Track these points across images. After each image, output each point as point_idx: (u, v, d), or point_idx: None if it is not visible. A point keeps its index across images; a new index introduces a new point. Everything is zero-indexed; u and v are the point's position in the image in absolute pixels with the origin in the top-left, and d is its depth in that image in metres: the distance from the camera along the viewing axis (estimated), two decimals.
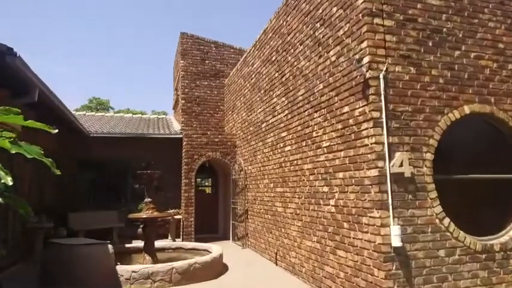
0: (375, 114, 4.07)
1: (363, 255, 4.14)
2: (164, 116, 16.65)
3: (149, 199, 6.44)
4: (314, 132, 5.36)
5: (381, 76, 4.15)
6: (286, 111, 6.42)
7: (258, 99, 8.04)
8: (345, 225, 4.51)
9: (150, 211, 6.36)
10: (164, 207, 10.02)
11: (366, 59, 4.19)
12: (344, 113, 4.61)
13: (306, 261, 5.49)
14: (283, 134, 6.52)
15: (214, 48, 12.04)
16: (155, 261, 6.16)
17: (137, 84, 53.93)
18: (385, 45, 4.26)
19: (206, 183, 12.81)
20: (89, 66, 53.67)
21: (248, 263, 6.96)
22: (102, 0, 52.65)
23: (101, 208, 10.37)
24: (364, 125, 4.18)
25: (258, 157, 7.96)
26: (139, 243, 9.39)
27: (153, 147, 11.11)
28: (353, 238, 4.35)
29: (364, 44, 4.22)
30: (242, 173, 9.02)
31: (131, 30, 56.61)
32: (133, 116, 15.45)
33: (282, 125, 6.59)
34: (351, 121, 4.46)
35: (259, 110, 7.94)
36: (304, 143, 5.68)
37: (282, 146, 6.59)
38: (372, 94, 4.11)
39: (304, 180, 5.65)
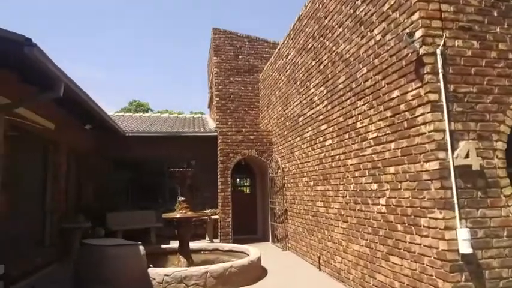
0: (433, 96, 3.48)
1: (423, 263, 3.56)
2: (201, 115, 16.64)
3: (183, 198, 6.21)
4: (358, 123, 4.81)
5: (438, 52, 3.55)
6: (325, 102, 5.91)
7: (294, 91, 7.58)
8: (399, 227, 3.94)
9: (184, 211, 6.13)
10: (201, 207, 9.86)
11: (418, 33, 3.61)
12: (393, 98, 4.03)
13: (354, 268, 4.95)
14: (323, 127, 6.01)
15: (247, 43, 11.71)
16: (190, 263, 5.92)
17: (176, 86, 55.26)
18: (441, 16, 3.65)
19: (245, 183, 12.56)
20: (129, 69, 55.78)
21: (289, 267, 6.53)
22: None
23: (139, 208, 10.43)
24: (420, 110, 3.60)
25: (296, 153, 7.49)
26: (176, 244, 9.30)
27: (189, 146, 11.01)
28: (409, 243, 3.77)
29: (416, 16, 3.64)
30: (279, 171, 8.60)
31: (169, 30, 58.11)
32: (170, 115, 15.57)
33: (321, 117, 6.08)
34: (402, 107, 3.88)
35: (296, 103, 7.46)
36: (346, 136, 5.15)
37: (321, 140, 6.09)
38: (428, 73, 3.52)
39: (348, 177, 5.12)
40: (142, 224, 9.51)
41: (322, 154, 6.04)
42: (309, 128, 6.67)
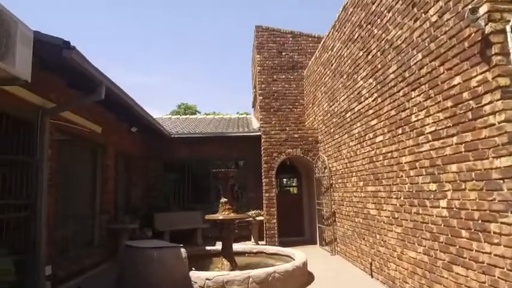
0: (502, 81, 2.99)
1: (493, 275, 3.08)
2: (246, 115, 16.65)
3: (225, 199, 6.11)
4: (413, 116, 4.36)
5: (508, 29, 3.05)
6: (375, 95, 5.48)
7: (341, 86, 7.17)
8: (464, 233, 3.47)
9: (227, 212, 6.03)
10: (246, 208, 9.78)
11: (483, 9, 3.14)
12: (454, 86, 3.56)
13: (410, 276, 4.50)
14: (373, 122, 5.58)
15: (291, 39, 11.43)
16: (233, 266, 5.79)
17: (224, 88, 56.31)
18: None
19: (293, 183, 12.32)
20: (178, 73, 57.85)
21: (338, 273, 6.16)
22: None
23: (185, 209, 10.61)
24: (487, 98, 3.12)
25: (343, 152, 7.08)
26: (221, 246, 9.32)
27: (233, 146, 11.01)
28: (476, 251, 3.29)
29: None
30: (326, 170, 8.22)
31: (217, 32, 59.42)
32: (215, 117, 15.75)
33: (371, 111, 5.65)
34: (465, 95, 3.41)
35: (343, 97, 7.06)
36: (400, 131, 4.70)
37: (371, 136, 5.66)
38: (496, 54, 3.04)
39: (402, 176, 4.67)
40: (189, 224, 9.63)
41: (373, 152, 5.60)
42: (358, 124, 6.26)
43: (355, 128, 6.38)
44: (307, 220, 10.51)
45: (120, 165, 8.93)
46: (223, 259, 5.90)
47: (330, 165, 8.08)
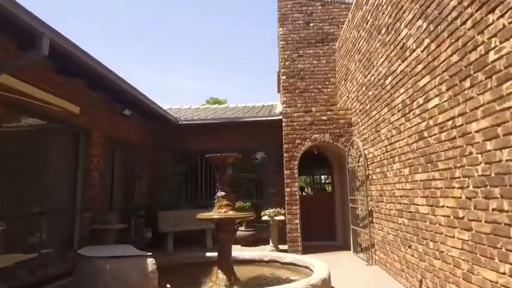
0: None
1: None
2: (271, 103, 15.29)
3: (222, 193, 4.81)
4: (491, 53, 2.78)
5: None
6: (427, 41, 3.90)
7: (378, 45, 5.61)
8: None
9: (224, 209, 4.71)
10: (265, 207, 8.46)
11: None
12: None
13: None
14: (423, 82, 4.01)
15: (320, 7, 9.90)
16: (231, 280, 4.47)
17: (254, 80, 55.19)
18: None
19: (328, 180, 10.85)
20: (208, 67, 57.56)
21: None
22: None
23: (198, 206, 9.44)
24: None
25: (383, 131, 5.52)
26: (233, 250, 7.98)
27: (252, 135, 9.74)
28: None
29: None
30: (361, 159, 6.66)
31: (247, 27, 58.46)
32: (238, 105, 14.51)
33: (420, 67, 4.08)
34: None
35: (381, 60, 5.50)
36: (467, 83, 3.13)
37: (421, 102, 4.09)
38: None
39: (471, 153, 3.10)
40: (197, 225, 8.43)
41: (423, 124, 4.03)
42: (401, 90, 4.69)
43: (398, 97, 4.81)
44: (340, 221, 8.95)
45: (118, 156, 7.92)
46: (219, 270, 4.58)
47: (366, 152, 6.52)
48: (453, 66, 3.34)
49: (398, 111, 4.80)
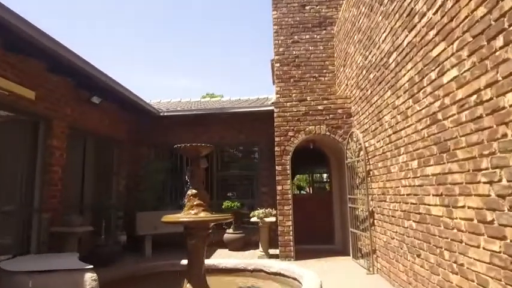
0: None
1: None
2: (267, 95, 14.52)
3: (193, 191, 4.04)
4: None
5: None
6: (439, 0, 3.13)
7: (381, 18, 4.84)
8: None
9: (195, 210, 3.95)
10: (257, 206, 7.71)
11: None
12: None
13: None
14: (437, 50, 3.23)
15: None
16: None
17: (252, 75, 54.34)
18: None
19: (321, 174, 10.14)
20: (205, 64, 56.75)
21: None
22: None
23: (181, 206, 8.69)
24: None
25: (386, 119, 4.75)
26: (219, 256, 7.26)
27: (243, 129, 9.00)
28: None
29: None
30: (361, 152, 5.90)
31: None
32: (231, 98, 13.75)
33: (432, 33, 3.31)
34: None
35: (384, 34, 4.73)
36: (499, 42, 2.35)
37: (434, 77, 3.32)
38: None
39: (505, 135, 2.33)
40: (181, 227, 7.68)
41: (437, 104, 3.26)
42: (408, 66, 3.92)
43: (404, 75, 4.04)
44: (338, 223, 8.19)
45: (89, 150, 7.17)
46: (188, 284, 3.83)
47: (367, 144, 5.75)
48: (478, 23, 2.57)
49: (405, 92, 4.03)
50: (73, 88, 6.21)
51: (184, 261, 5.14)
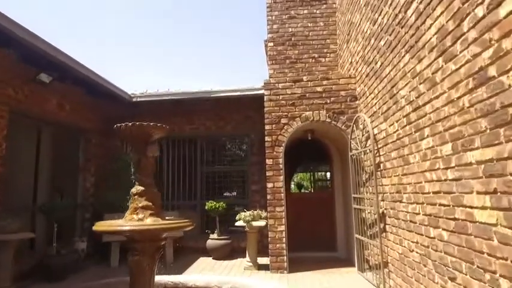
0: None
1: None
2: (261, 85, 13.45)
3: (140, 188, 2.98)
4: None
5: None
6: None
7: None
8: None
9: (140, 215, 2.89)
10: (250, 204, 6.67)
11: None
12: None
13: None
14: None
15: None
16: None
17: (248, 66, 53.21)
18: None
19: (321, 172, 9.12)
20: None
21: None
22: None
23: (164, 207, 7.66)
24: None
25: (402, 93, 3.66)
26: (204, 266, 6.12)
27: (233, 118, 7.95)
28: None
29: None
30: (369, 142, 4.82)
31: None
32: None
33: None
34: None
35: None
36: None
37: (481, 14, 2.22)
38: None
39: None
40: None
41: (487, 53, 2.17)
42: (437, 11, 2.82)
43: (431, 26, 2.94)
44: (342, 226, 7.12)
45: (45, 141, 6.13)
46: None
47: (376, 130, 4.67)
48: None
49: (431, 50, 2.94)
50: (15, 63, 5.16)
51: (157, 278, 4.10)
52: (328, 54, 7.63)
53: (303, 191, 19.28)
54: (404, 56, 3.57)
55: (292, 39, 7.71)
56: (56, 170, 6.42)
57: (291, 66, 7.63)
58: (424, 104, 3.12)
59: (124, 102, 7.15)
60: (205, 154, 8.02)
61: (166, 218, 3.21)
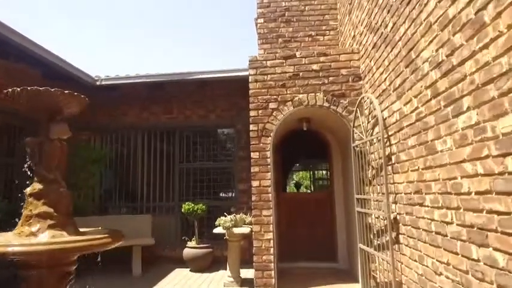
0: None
1: None
2: None
3: (37, 186, 2.03)
4: None
5: None
6: None
7: None
8: None
9: (35, 227, 1.95)
10: (236, 206, 5.73)
11: None
12: None
13: None
14: None
15: None
16: None
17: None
18: None
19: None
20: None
21: None
22: None
23: (131, 210, 6.74)
24: None
25: (425, 56, 2.68)
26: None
27: (215, 106, 7.01)
28: None
29: None
30: (378, 128, 3.85)
31: None
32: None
33: None
34: None
35: None
36: None
37: None
38: None
39: None
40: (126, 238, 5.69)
41: None
42: None
43: None
44: (343, 231, 6.15)
45: None
46: None
47: (386, 113, 3.70)
48: None
49: None
50: None
51: None
52: (327, 31, 6.66)
53: (304, 190, 18.32)
54: (428, 1, 2.59)
55: (286, 14, 6.74)
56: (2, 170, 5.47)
57: (284, 45, 6.65)
58: (462, 62, 2.14)
59: (87, 86, 6.17)
60: (185, 148, 7.04)
61: (87, 229, 2.27)
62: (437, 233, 2.59)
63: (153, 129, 7.00)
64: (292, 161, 11.46)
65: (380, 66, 3.90)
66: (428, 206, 2.73)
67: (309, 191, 16.13)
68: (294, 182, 19.03)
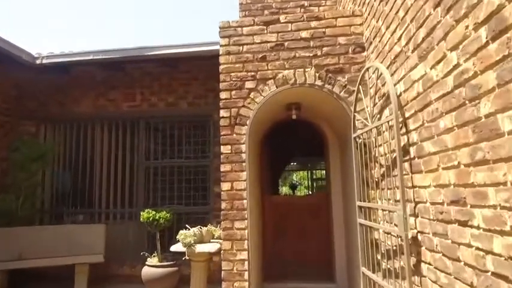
0: None
1: None
2: None
3: None
4: None
5: None
6: None
7: None
8: None
9: None
10: (211, 213, 4.66)
11: None
12: None
13: None
14: None
15: None
16: None
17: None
18: None
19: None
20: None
21: None
22: None
23: (88, 216, 5.68)
24: None
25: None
26: None
27: (187, 92, 5.95)
28: None
29: None
30: (387, 111, 2.77)
31: None
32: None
33: None
34: None
35: None
36: None
37: None
38: None
39: None
40: (64, 256, 4.60)
41: None
42: None
43: None
44: (342, 245, 5.06)
45: None
46: None
47: (402, 87, 2.62)
48: None
49: None
50: None
51: None
52: (322, 1, 5.60)
53: (305, 192, 17.23)
54: None
55: None
56: None
57: (269, 18, 5.55)
58: None
59: (25, 66, 5.09)
60: (152, 143, 5.95)
61: None
62: (496, 274, 1.51)
63: (112, 120, 5.92)
64: (286, 159, 10.41)
65: (392, 22, 2.81)
66: (480, 228, 1.64)
67: (309, 193, 15.07)
68: (289, 182, 17.96)
